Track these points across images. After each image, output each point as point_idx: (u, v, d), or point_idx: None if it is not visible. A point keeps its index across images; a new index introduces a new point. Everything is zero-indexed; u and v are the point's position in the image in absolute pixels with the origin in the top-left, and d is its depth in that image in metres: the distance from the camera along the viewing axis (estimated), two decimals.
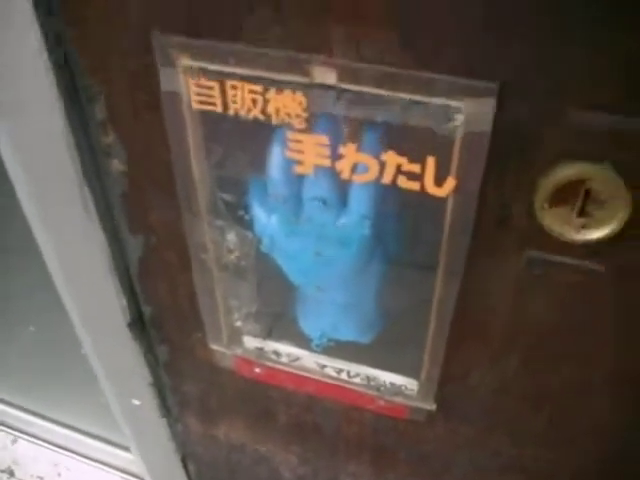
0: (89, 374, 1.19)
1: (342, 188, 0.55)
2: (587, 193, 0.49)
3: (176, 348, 0.84)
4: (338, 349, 0.71)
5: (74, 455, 1.46)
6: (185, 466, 1.10)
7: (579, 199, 0.50)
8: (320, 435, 0.85)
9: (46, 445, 1.49)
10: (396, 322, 0.67)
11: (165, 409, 0.96)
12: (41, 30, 0.55)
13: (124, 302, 0.79)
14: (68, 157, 0.63)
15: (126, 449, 1.34)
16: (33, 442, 1.50)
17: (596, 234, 0.51)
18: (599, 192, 0.49)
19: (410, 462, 0.82)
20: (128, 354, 0.87)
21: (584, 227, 0.51)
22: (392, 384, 0.72)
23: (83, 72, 0.59)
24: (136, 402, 0.97)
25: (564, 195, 0.50)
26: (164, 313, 0.80)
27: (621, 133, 0.45)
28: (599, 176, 0.48)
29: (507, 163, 0.50)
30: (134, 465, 1.37)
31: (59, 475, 1.46)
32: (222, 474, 1.07)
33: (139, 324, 0.82)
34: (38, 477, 1.46)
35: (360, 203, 0.55)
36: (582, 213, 0.51)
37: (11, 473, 1.47)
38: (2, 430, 1.53)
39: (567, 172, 0.49)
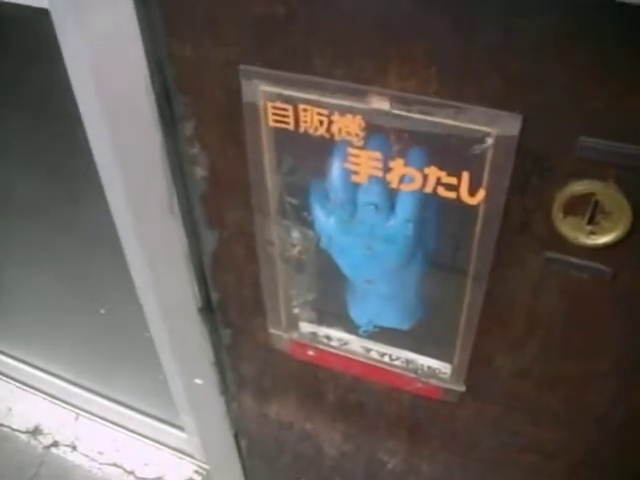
0: (150, 357, 1.32)
1: (391, 195, 0.67)
2: (596, 205, 0.60)
3: (238, 331, 0.96)
4: (382, 335, 0.82)
5: (131, 433, 1.59)
6: (237, 442, 1.22)
7: (589, 210, 0.60)
8: (363, 414, 0.96)
9: (106, 423, 1.63)
10: (433, 312, 0.77)
11: (224, 387, 1.08)
12: (147, 62, 0.67)
13: (196, 289, 0.91)
14: (160, 164, 0.76)
15: (180, 428, 1.47)
16: (94, 420, 1.64)
17: (603, 239, 0.62)
18: (605, 204, 0.60)
19: (441, 439, 0.93)
20: (195, 336, 0.99)
21: (593, 233, 0.62)
22: (428, 367, 0.83)
23: (178, 97, 0.71)
24: (198, 381, 1.09)
25: (576, 206, 0.61)
26: (230, 300, 0.92)
27: (622, 156, 0.56)
28: (604, 192, 0.59)
29: (529, 179, 0.60)
30: (186, 444, 1.50)
31: (117, 451, 1.59)
32: (270, 450, 1.18)
33: (207, 309, 0.94)
34: (99, 452, 1.59)
35: (405, 208, 0.67)
36: (591, 221, 0.61)
37: (74, 447, 1.61)
38: (66, 407, 1.67)
39: (577, 188, 0.60)
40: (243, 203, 0.77)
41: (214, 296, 0.93)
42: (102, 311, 1.30)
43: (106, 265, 1.21)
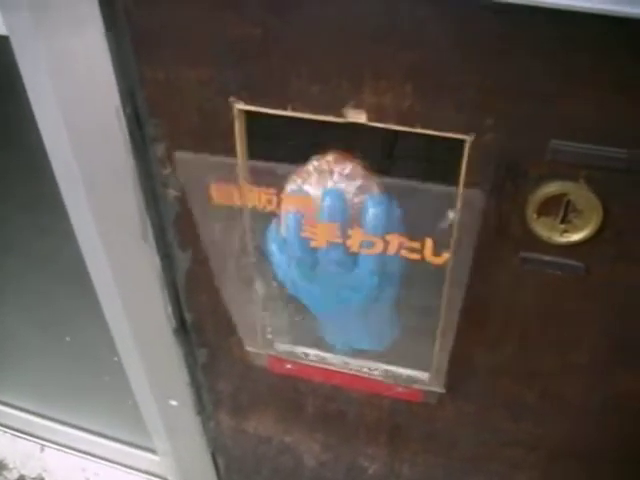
0: (118, 382, 1.30)
1: (353, 253, 0.66)
2: (568, 204, 0.62)
3: (214, 350, 0.96)
4: (359, 352, 0.83)
5: (101, 460, 1.56)
6: (214, 461, 1.21)
7: (561, 210, 0.63)
8: (342, 422, 0.97)
9: (73, 452, 1.59)
10: (408, 330, 0.79)
11: (200, 407, 1.08)
12: (118, 88, 0.67)
13: (170, 311, 0.90)
14: (132, 188, 0.75)
15: (152, 451, 1.44)
16: (61, 450, 1.60)
17: (575, 237, 0.64)
18: (577, 203, 0.62)
19: (422, 440, 0.95)
20: (170, 358, 0.98)
21: (566, 232, 0.64)
22: (407, 376, 0.84)
23: (149, 120, 0.71)
24: (173, 402, 1.08)
25: (549, 207, 0.63)
26: (205, 319, 0.92)
27: (591, 157, 0.58)
28: (576, 192, 0.61)
29: (503, 185, 0.62)
30: (158, 466, 1.47)
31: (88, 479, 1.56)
32: (249, 466, 1.18)
33: (182, 330, 0.94)
34: None
35: (368, 264, 0.67)
36: (564, 221, 0.64)
37: None
38: (30, 440, 1.63)
39: (550, 189, 0.62)
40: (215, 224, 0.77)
41: (188, 317, 0.92)
42: (67, 339, 1.27)
43: (69, 292, 1.19)
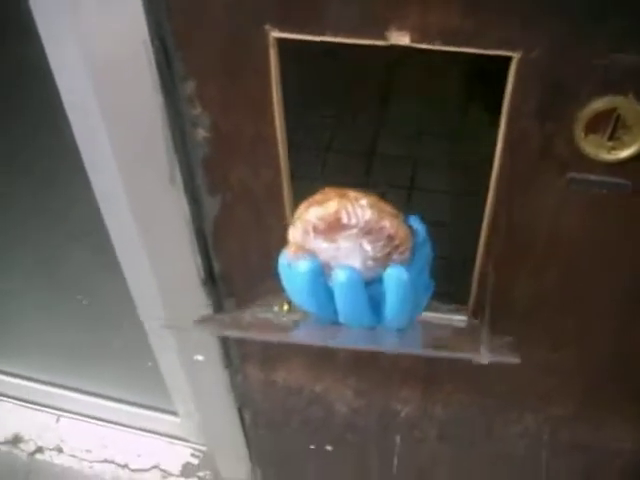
0: (136, 344, 1.29)
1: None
2: (617, 120, 0.61)
3: (243, 300, 0.94)
4: None
5: (118, 426, 1.55)
6: (241, 416, 1.20)
7: (610, 125, 0.61)
8: (376, 366, 0.97)
9: (89, 420, 1.58)
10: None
11: (228, 361, 1.07)
12: (146, 19, 0.64)
13: (199, 261, 0.88)
14: (160, 128, 0.73)
15: (172, 413, 1.44)
16: (77, 419, 1.59)
17: (624, 153, 0.63)
18: (626, 119, 0.61)
19: (456, 380, 0.94)
20: (197, 311, 0.96)
21: (614, 149, 0.63)
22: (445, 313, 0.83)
23: (178, 54, 0.68)
24: (199, 358, 1.07)
25: (597, 124, 0.62)
26: (234, 268, 0.90)
27: None
28: (625, 106, 0.60)
29: (551, 102, 0.61)
30: (179, 428, 1.47)
31: (106, 447, 1.55)
32: (277, 419, 1.17)
33: (210, 280, 0.92)
34: (86, 450, 1.55)
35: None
36: (612, 137, 0.62)
37: (60, 450, 1.56)
38: (44, 410, 1.61)
39: (599, 105, 0.61)
40: (248, 162, 0.75)
41: (217, 266, 0.91)
42: (84, 302, 1.25)
43: (83, 252, 1.17)
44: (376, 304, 0.53)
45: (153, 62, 0.67)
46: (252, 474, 1.37)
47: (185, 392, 1.20)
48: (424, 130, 1.50)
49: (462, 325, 0.84)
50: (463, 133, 1.43)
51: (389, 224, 0.50)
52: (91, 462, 1.53)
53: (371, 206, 0.50)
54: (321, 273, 0.51)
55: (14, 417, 1.63)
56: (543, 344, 0.84)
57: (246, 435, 1.25)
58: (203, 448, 1.47)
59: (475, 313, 0.82)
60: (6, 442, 1.60)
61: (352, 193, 0.50)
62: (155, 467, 1.50)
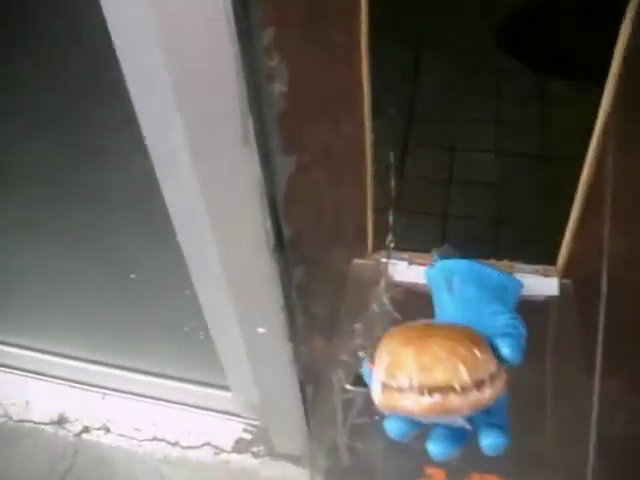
0: (186, 318, 1.24)
1: None
2: None
3: (312, 267, 0.89)
4: None
5: (167, 403, 1.51)
6: (303, 391, 1.15)
7: None
8: None
9: (137, 397, 1.54)
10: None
11: (292, 333, 1.01)
12: None
13: (268, 225, 0.82)
14: (235, 81, 0.67)
15: (223, 388, 1.39)
16: (123, 397, 1.55)
17: None
18: None
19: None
20: (263, 279, 0.91)
21: None
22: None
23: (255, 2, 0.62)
24: (261, 330, 1.02)
25: None
26: (304, 233, 0.85)
27: None
28: None
29: None
30: (231, 403, 1.43)
31: (155, 425, 1.51)
32: None
33: (280, 247, 0.86)
34: (135, 429, 1.51)
35: None
36: None
37: (107, 429, 1.52)
38: (89, 389, 1.57)
39: None
40: (328, 117, 0.69)
41: (286, 231, 0.85)
42: (131, 276, 1.20)
43: (130, 227, 1.11)
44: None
45: (230, 7, 0.61)
46: (307, 449, 1.33)
47: (242, 366, 1.16)
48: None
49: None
50: None
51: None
52: (140, 441, 1.50)
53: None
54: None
55: (58, 397, 1.59)
56: (630, 306, 0.79)
57: (306, 411, 1.21)
58: (256, 423, 1.42)
59: None
60: (52, 423, 1.56)
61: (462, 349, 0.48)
62: (207, 444, 1.46)
